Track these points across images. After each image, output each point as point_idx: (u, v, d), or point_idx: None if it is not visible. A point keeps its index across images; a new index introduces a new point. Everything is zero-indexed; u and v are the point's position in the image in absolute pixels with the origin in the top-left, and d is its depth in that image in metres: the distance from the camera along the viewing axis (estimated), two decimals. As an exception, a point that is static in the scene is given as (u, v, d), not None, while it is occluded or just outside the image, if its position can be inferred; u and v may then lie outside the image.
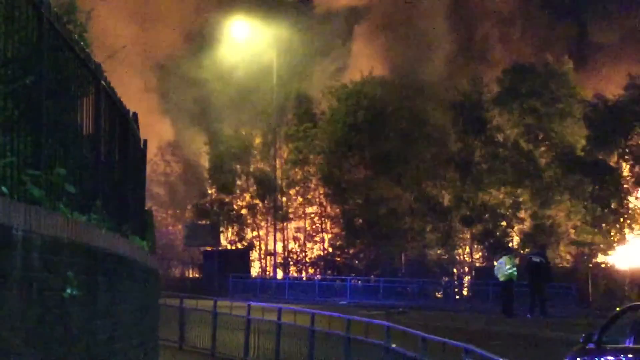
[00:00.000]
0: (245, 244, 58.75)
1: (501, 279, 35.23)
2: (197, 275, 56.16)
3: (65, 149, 7.15)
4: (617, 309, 14.84)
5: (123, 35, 41.98)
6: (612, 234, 46.40)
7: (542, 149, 48.31)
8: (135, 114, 11.72)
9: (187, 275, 56.69)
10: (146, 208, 15.02)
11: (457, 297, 45.27)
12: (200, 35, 55.39)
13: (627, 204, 45.92)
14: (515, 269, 35.46)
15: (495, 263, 36.70)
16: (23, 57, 6.20)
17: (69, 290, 6.37)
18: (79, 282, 6.63)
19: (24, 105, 6.12)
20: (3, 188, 5.18)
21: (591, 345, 14.15)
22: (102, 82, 8.88)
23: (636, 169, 45.38)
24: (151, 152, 16.15)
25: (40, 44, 6.38)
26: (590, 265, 45.70)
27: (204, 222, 58.90)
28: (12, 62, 6.01)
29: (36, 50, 6.36)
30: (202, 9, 55.68)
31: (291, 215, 56.85)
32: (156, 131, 42.02)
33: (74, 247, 6.57)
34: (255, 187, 57.36)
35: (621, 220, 46.11)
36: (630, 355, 13.27)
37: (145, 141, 13.31)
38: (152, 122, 41.31)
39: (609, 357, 13.62)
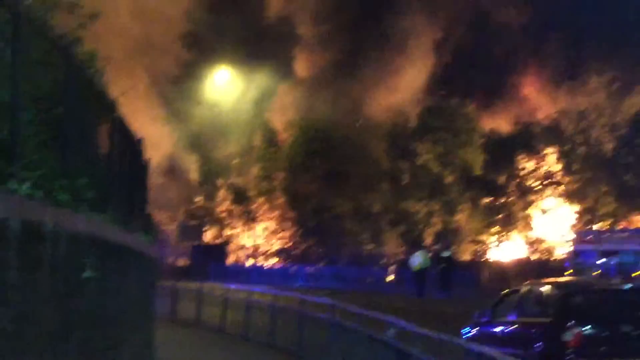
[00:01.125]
0: (224, 239, 58.72)
1: (416, 268, 35.46)
2: (186, 264, 55.82)
3: (86, 163, 7.11)
4: (504, 291, 14.98)
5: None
6: (501, 234, 46.88)
7: (449, 170, 48.66)
8: (140, 139, 11.67)
9: (178, 263, 56.31)
10: (148, 211, 14.96)
11: (384, 282, 45.27)
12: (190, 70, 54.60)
13: (512, 212, 46.41)
14: (427, 260, 35.73)
15: (411, 257, 36.92)
16: (55, 93, 6.18)
17: (87, 273, 6.34)
18: (95, 267, 6.60)
19: (55, 130, 6.10)
20: (38, 193, 5.16)
21: (484, 319, 14.28)
22: (116, 113, 8.85)
23: (519, 186, 45.93)
24: (152, 165, 15.96)
25: (68, 83, 6.36)
26: (484, 258, 46.07)
27: (192, 222, 58.88)
28: (46, 97, 5.99)
29: (65, 88, 6.33)
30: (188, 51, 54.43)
31: (259, 218, 56.95)
32: (155, 141, 41.28)
33: (92, 240, 6.54)
34: (232, 196, 57.40)
35: (507, 224, 46.64)
36: (511, 326, 13.40)
37: (148, 160, 13.27)
38: (153, 133, 40.74)
39: (497, 328, 13.75)
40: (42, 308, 5.25)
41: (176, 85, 53.56)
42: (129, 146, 10.39)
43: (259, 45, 52.93)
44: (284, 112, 54.30)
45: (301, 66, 55.92)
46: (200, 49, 52.42)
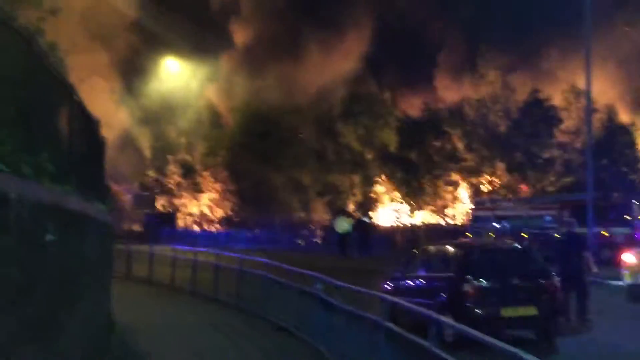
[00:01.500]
0: (174, 208, 58.30)
1: (339, 232, 35.69)
2: (140, 229, 55.20)
3: (48, 141, 6.96)
4: (414, 251, 15.23)
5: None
6: (413, 204, 47.47)
7: (369, 149, 49.00)
8: (98, 120, 11.46)
9: (133, 229, 55.64)
10: (105, 182, 14.72)
11: (313, 244, 45.52)
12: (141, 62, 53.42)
13: (423, 185, 47.01)
14: (350, 225, 35.99)
15: (335, 222, 37.16)
16: (19, 79, 6.03)
17: (49, 237, 6.24)
18: (57, 231, 6.50)
19: (19, 111, 5.96)
20: (3, 166, 5.05)
21: (398, 274, 14.50)
22: (75, 97, 8.67)
23: (429, 162, 46.52)
24: (110, 141, 15.57)
25: (31, 69, 6.21)
26: (399, 223, 46.63)
27: (145, 193, 58.28)
28: (11, 82, 5.84)
29: (28, 74, 6.18)
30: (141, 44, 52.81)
31: (205, 189, 56.70)
32: (113, 121, 40.28)
33: (53, 207, 6.43)
34: (181, 170, 56.96)
35: (419, 195, 47.25)
36: (420, 280, 13.65)
37: (104, 138, 13.05)
38: (112, 113, 39.75)
39: (408, 281, 13.99)
40: (9, 267, 5.16)
41: (132, 69, 52.63)
42: (87, 126, 10.20)
43: (204, 33, 52.32)
44: (228, 96, 54.01)
45: (241, 43, 55.39)
46: (152, 37, 51.36)
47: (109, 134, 17.64)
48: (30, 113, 6.18)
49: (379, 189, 48.98)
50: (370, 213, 45.89)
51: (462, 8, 50.19)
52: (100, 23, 46.23)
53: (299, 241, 43.40)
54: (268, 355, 11.52)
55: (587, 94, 27.14)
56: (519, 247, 15.53)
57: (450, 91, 49.66)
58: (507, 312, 11.99)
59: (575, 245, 14.92)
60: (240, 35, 55.25)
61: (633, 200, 30.30)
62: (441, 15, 52.27)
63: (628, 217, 30.12)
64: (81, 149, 9.48)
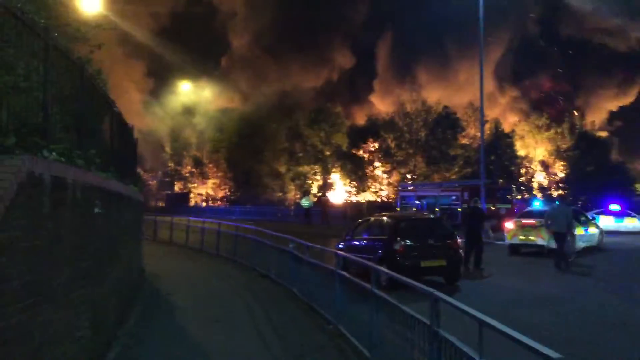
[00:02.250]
0: (187, 190, 57.82)
1: (304, 206, 35.66)
2: (163, 205, 54.61)
3: (95, 140, 6.85)
4: (359, 220, 15.29)
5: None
6: (359, 186, 47.56)
7: (327, 147, 48.93)
8: (132, 126, 11.27)
9: (158, 204, 55.03)
10: (137, 171, 14.53)
11: (288, 216, 45.40)
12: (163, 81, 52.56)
13: (367, 173, 47.17)
14: (311, 202, 35.96)
15: (302, 200, 37.06)
16: (74, 95, 5.92)
17: (96, 210, 6.15)
18: (102, 206, 6.41)
19: (74, 120, 5.85)
20: (62, 159, 4.97)
21: (348, 237, 14.56)
22: (115, 109, 8.53)
23: (369, 157, 46.59)
24: (141, 141, 15.28)
25: (82, 88, 6.10)
26: (349, 201, 46.71)
27: (166, 179, 57.67)
28: (68, 97, 5.74)
29: (80, 92, 6.07)
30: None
31: (210, 176, 56.30)
32: (142, 125, 39.63)
33: (99, 189, 6.33)
34: (193, 163, 56.44)
35: (363, 180, 47.37)
36: (364, 242, 13.72)
37: (137, 139, 12.86)
38: (140, 118, 39.19)
39: (355, 242, 14.06)
40: (67, 233, 5.08)
41: (158, 87, 51.95)
42: (124, 129, 10.05)
43: (209, 57, 52.03)
44: (228, 103, 53.82)
45: (236, 76, 55.09)
46: (168, 63, 50.58)
47: (141, 135, 17.38)
48: (81, 119, 6.07)
49: (334, 175, 49.02)
50: (328, 193, 45.87)
51: (394, 42, 50.67)
52: (132, 47, 45.44)
53: (278, 214, 43.27)
54: (255, 294, 11.52)
55: (481, 110, 27.41)
56: (433, 217, 15.73)
57: (385, 106, 49.94)
58: (425, 263, 12.13)
59: (478, 216, 15.12)
60: (235, 58, 54.92)
61: (512, 185, 30.72)
62: (380, 48, 52.64)
63: (509, 197, 30.76)
64: (119, 146, 9.34)
